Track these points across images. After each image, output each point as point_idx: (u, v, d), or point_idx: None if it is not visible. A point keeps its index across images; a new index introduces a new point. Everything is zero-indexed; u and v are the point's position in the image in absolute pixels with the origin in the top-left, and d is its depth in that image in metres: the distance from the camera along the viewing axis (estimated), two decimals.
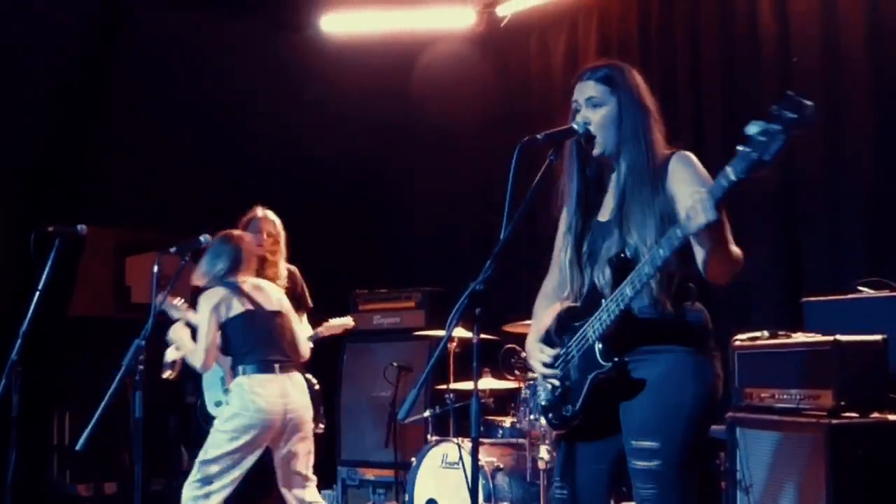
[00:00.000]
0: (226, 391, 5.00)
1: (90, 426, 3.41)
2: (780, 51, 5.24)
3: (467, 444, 4.85)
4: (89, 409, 3.44)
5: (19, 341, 3.82)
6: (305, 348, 4.91)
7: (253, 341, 4.59)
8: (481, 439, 4.06)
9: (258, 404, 4.45)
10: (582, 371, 2.69)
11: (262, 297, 4.71)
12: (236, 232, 4.88)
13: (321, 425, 5.18)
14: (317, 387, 5.20)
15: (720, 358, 2.74)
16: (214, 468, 4.44)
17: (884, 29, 4.84)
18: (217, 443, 4.47)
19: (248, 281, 4.73)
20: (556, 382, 2.76)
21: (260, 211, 5.24)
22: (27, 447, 4.08)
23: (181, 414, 6.72)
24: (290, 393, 4.57)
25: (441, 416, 5.45)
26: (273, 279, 5.08)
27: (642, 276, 2.51)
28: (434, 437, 5.29)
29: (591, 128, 2.71)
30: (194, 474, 4.46)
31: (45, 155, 6.71)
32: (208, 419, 5.13)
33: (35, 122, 6.52)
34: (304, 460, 4.69)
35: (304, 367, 4.96)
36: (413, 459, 5.27)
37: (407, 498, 5.21)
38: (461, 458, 4.89)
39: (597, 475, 2.76)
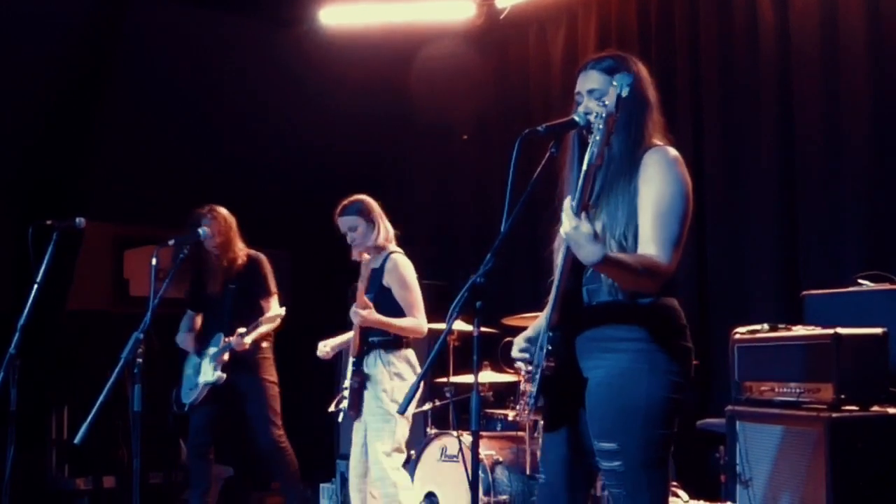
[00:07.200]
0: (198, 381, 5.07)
1: (89, 420, 3.40)
2: (779, 47, 5.23)
3: (467, 438, 4.85)
4: (88, 402, 3.43)
5: (18, 335, 3.82)
6: None
7: None
8: (481, 432, 4.06)
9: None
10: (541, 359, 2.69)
11: None
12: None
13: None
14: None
15: (687, 348, 2.64)
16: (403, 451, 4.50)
17: (884, 26, 4.83)
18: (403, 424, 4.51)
19: None
20: (529, 367, 2.75)
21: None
22: (25, 441, 4.08)
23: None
24: None
25: (440, 409, 5.45)
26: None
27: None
28: (433, 431, 5.28)
29: (591, 117, 2.69)
30: (386, 469, 4.38)
31: (44, 148, 6.69)
32: (183, 408, 5.20)
33: (34, 116, 6.49)
34: None
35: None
36: (412, 452, 5.27)
37: None
38: (461, 451, 4.89)
39: (570, 463, 2.74)
